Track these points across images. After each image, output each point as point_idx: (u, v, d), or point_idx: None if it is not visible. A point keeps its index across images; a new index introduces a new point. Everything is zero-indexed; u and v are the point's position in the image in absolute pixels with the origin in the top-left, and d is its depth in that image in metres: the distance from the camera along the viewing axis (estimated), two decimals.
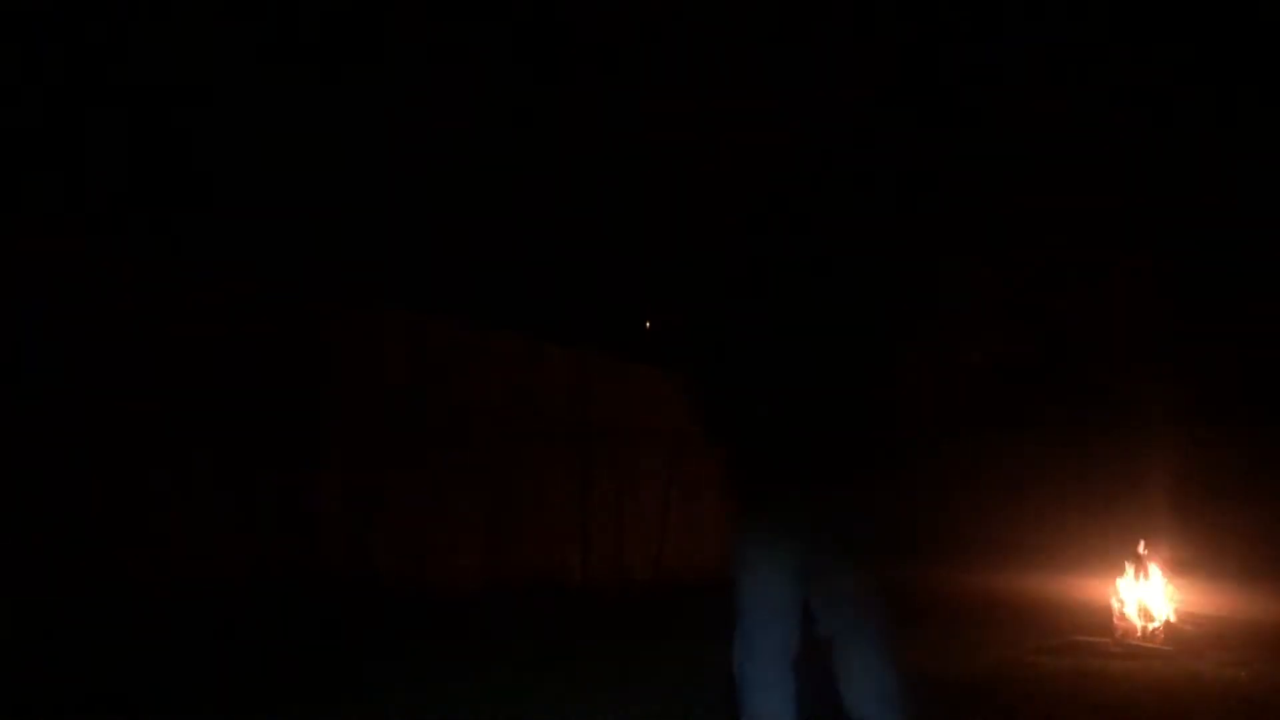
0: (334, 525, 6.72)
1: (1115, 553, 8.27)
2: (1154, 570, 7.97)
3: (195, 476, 5.92)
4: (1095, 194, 11.32)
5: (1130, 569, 8.03)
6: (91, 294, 5.51)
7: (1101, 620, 8.08)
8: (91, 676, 4.82)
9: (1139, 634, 7.64)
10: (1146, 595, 7.88)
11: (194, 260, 6.31)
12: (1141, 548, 8.08)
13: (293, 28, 8.53)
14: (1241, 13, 10.24)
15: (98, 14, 7.38)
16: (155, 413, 5.69)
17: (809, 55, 10.16)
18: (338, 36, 8.89)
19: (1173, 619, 7.85)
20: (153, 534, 5.67)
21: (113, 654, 5.05)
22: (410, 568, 7.23)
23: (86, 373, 5.42)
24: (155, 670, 5.00)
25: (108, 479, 5.49)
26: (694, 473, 9.96)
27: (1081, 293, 12.52)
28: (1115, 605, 7.98)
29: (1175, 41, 10.39)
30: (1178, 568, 8.20)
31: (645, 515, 9.53)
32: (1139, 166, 11.12)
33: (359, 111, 9.03)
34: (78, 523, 5.34)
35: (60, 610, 5.12)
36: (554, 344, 8.75)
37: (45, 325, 5.28)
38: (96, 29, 7.35)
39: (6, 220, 5.29)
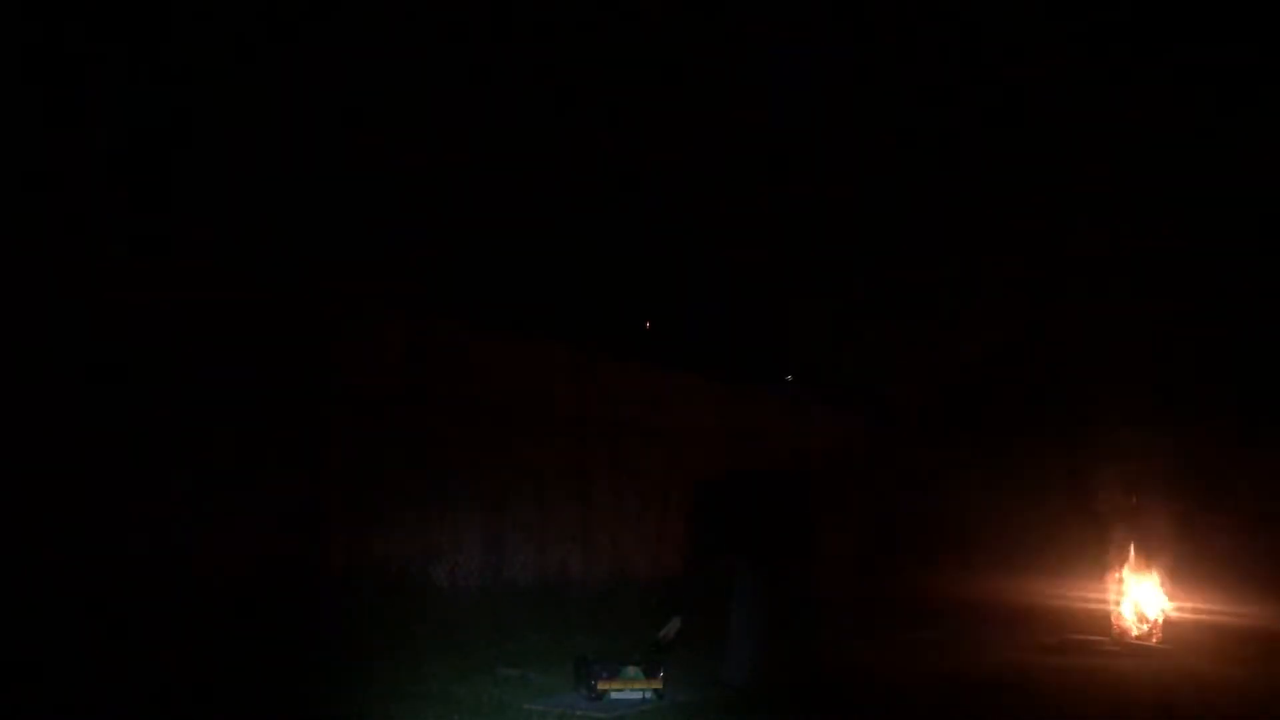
0: (335, 524, 6.74)
1: (1112, 554, 8.32)
2: (1150, 571, 8.04)
3: (196, 475, 5.93)
4: (1091, 196, 11.36)
5: (1127, 570, 8.10)
6: (92, 290, 5.51)
7: (1099, 620, 8.14)
8: (91, 674, 4.84)
9: (1136, 633, 7.70)
10: (1143, 595, 7.95)
11: (197, 258, 6.31)
12: (1138, 549, 8.15)
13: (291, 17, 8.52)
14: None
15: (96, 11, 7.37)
16: (154, 411, 5.71)
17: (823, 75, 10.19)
18: (334, 27, 8.88)
19: (1169, 618, 7.91)
20: (153, 531, 5.68)
21: (112, 651, 5.06)
22: (411, 566, 7.24)
23: (85, 369, 5.43)
24: (155, 668, 5.02)
25: (108, 476, 5.50)
26: (694, 469, 9.98)
27: (1077, 297, 12.56)
28: (1113, 605, 8.04)
29: (1182, 44, 10.43)
30: (1173, 568, 8.26)
31: (645, 513, 9.55)
32: (1135, 168, 11.17)
33: (359, 107, 9.03)
34: (80, 518, 5.35)
35: (61, 607, 5.13)
36: (555, 343, 8.76)
37: (48, 321, 5.29)
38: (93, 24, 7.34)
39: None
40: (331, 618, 6.32)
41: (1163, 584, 8.05)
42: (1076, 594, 10.21)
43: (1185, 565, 8.72)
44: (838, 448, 12.60)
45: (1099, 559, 8.55)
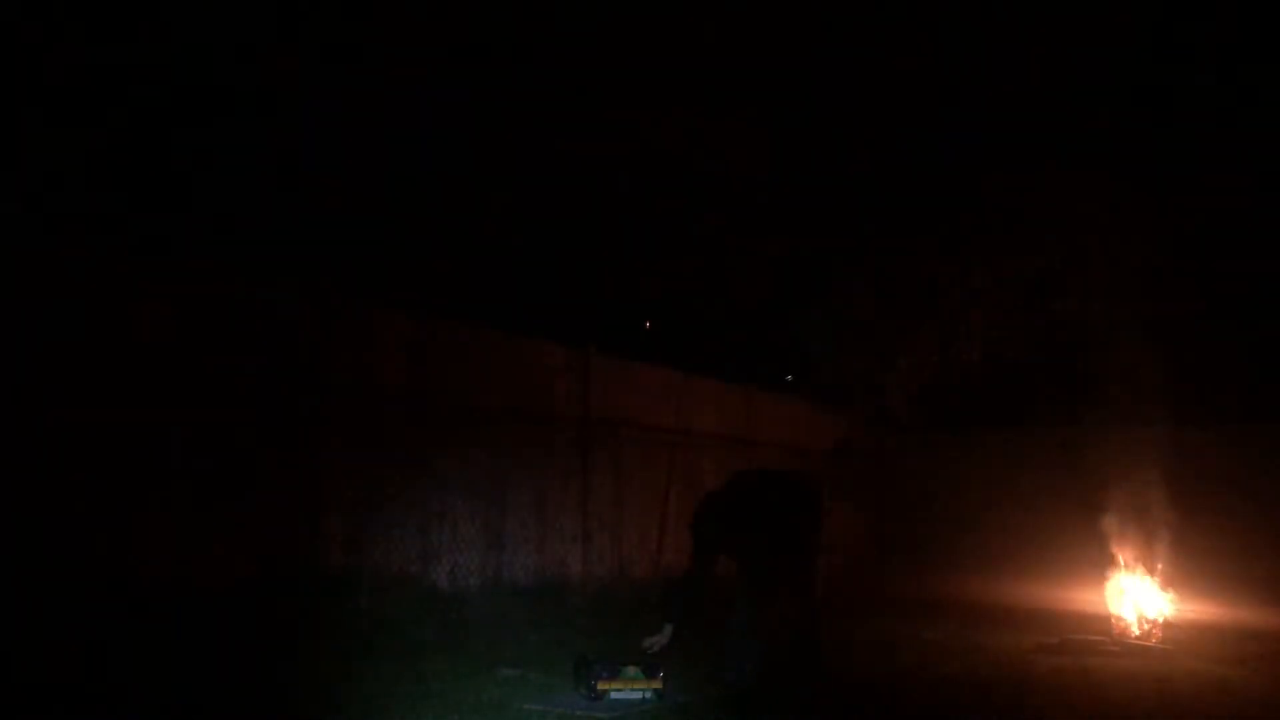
0: (334, 524, 6.73)
1: (1112, 554, 8.31)
2: (1151, 571, 8.02)
3: (195, 474, 5.93)
4: (1092, 189, 11.37)
5: (1128, 569, 8.08)
6: (84, 293, 5.50)
7: (1100, 620, 8.13)
8: (91, 677, 4.83)
9: (1137, 633, 7.68)
10: (1143, 595, 7.93)
11: (191, 258, 6.31)
12: (1139, 549, 8.13)
13: (292, 20, 8.53)
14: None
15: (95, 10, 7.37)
16: (154, 412, 5.70)
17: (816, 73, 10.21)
18: (334, 28, 8.89)
19: (1169, 618, 7.89)
20: (153, 534, 5.67)
21: (112, 654, 5.06)
22: (411, 565, 7.23)
23: (83, 373, 5.42)
24: (154, 670, 5.01)
25: (106, 479, 5.49)
26: (694, 469, 9.99)
27: (1079, 293, 12.57)
28: (1112, 605, 8.03)
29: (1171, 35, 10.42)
30: (1174, 568, 8.24)
31: (645, 513, 9.55)
32: (1137, 160, 11.17)
33: (358, 107, 9.04)
34: (77, 524, 5.34)
35: (60, 607, 5.13)
36: (555, 343, 8.75)
37: (40, 326, 5.29)
38: (91, 24, 7.34)
39: None
40: (331, 618, 6.31)
41: (1163, 584, 8.03)
42: (1077, 594, 10.20)
43: (1186, 565, 8.71)
44: (838, 447, 12.60)
45: (1099, 559, 8.53)
